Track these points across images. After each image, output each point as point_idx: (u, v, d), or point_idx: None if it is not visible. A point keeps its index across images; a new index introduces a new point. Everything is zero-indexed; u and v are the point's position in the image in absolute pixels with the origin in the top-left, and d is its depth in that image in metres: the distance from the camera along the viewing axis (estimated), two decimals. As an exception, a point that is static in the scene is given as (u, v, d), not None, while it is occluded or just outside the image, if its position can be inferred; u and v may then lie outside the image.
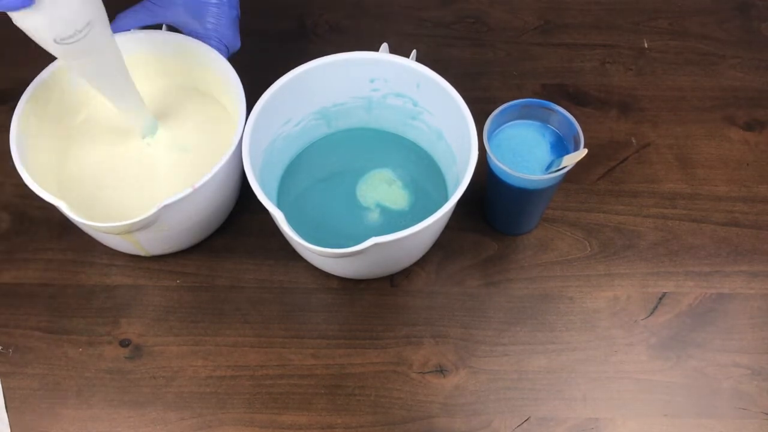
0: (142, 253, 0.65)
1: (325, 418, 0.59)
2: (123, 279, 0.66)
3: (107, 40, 0.56)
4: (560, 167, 0.58)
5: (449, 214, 0.59)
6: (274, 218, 0.56)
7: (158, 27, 0.67)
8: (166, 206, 0.56)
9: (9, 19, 0.51)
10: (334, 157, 0.70)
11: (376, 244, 0.53)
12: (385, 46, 0.64)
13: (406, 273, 0.66)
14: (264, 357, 0.62)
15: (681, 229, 0.68)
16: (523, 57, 0.80)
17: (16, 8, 0.49)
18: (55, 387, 0.61)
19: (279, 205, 0.62)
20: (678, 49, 0.81)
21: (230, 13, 0.65)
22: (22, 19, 0.50)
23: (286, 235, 0.57)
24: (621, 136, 0.74)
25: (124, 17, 0.66)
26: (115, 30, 0.65)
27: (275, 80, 0.62)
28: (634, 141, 0.74)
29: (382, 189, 0.67)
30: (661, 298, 0.65)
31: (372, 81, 0.66)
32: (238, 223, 0.68)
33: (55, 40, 0.52)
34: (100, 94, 0.61)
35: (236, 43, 0.67)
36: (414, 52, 0.64)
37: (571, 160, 0.57)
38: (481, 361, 0.62)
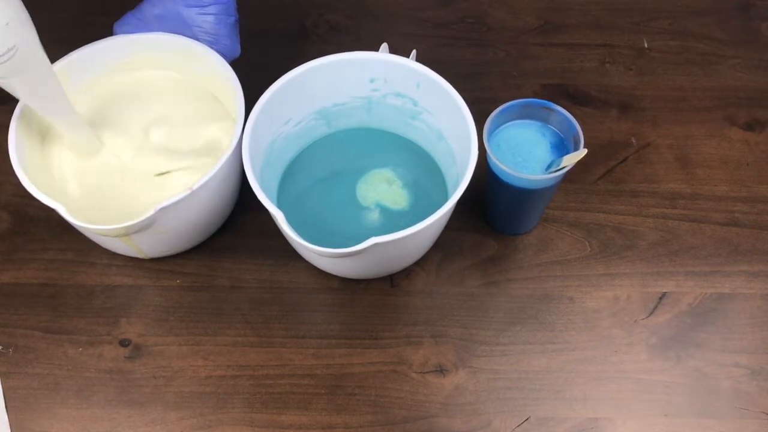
0: (140, 256, 0.65)
1: (325, 418, 0.59)
2: (123, 279, 0.66)
3: (36, 62, 0.55)
4: (560, 167, 0.58)
5: (449, 214, 0.59)
6: (274, 218, 0.56)
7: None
8: (163, 209, 0.56)
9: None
10: (334, 157, 0.70)
11: (376, 244, 0.53)
12: (385, 46, 0.64)
13: (406, 273, 0.66)
14: (264, 357, 0.62)
15: (681, 229, 0.68)
16: (523, 57, 0.80)
17: None
18: (55, 387, 0.61)
19: (279, 205, 0.62)
20: (678, 49, 0.81)
21: (227, 20, 0.65)
22: None
23: (286, 235, 0.57)
24: (621, 136, 0.74)
25: (121, 25, 0.66)
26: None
27: (275, 80, 0.62)
28: (634, 141, 0.74)
29: (382, 189, 0.67)
30: (661, 298, 0.65)
31: (372, 81, 0.66)
32: (238, 223, 0.68)
33: None
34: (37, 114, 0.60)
35: (236, 50, 0.66)
36: (414, 52, 0.64)
37: (571, 160, 0.57)
38: (481, 361, 0.62)
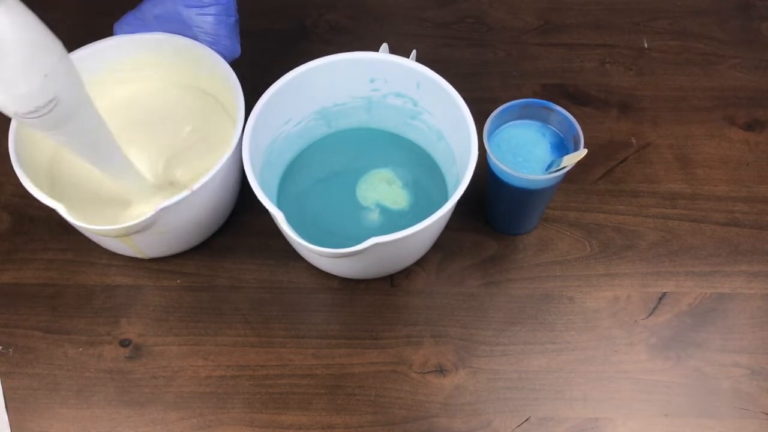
0: (140, 256, 0.65)
1: (325, 418, 0.59)
2: (123, 279, 0.66)
3: (80, 112, 0.51)
4: (560, 167, 0.58)
5: (449, 214, 0.59)
6: (274, 218, 0.56)
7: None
8: (163, 209, 0.56)
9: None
10: (334, 157, 0.70)
11: (376, 244, 0.53)
12: (385, 46, 0.64)
13: (406, 273, 0.66)
14: (264, 357, 0.62)
15: (681, 229, 0.68)
16: (523, 57, 0.80)
17: None
18: (55, 387, 0.61)
19: (279, 205, 0.62)
20: (678, 49, 0.81)
21: (227, 20, 0.65)
22: None
23: (286, 235, 0.57)
24: (621, 136, 0.74)
25: (121, 25, 0.66)
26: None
27: (275, 80, 0.62)
28: (634, 141, 0.74)
29: (382, 189, 0.67)
30: (661, 298, 0.65)
31: (372, 81, 0.66)
32: (238, 223, 0.68)
33: (16, 114, 0.47)
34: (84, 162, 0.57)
35: (236, 50, 0.66)
36: (414, 52, 0.64)
37: (571, 160, 0.57)
38: (481, 361, 0.62)
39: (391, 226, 0.65)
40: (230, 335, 0.63)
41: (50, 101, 0.47)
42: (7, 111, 0.47)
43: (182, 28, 0.65)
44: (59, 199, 0.57)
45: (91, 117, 0.53)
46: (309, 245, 0.54)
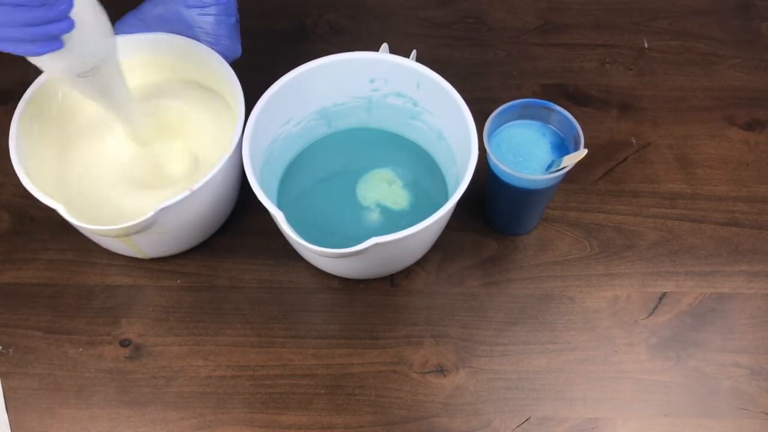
0: (140, 256, 0.65)
1: (325, 418, 0.59)
2: (123, 279, 0.66)
3: (115, 65, 0.57)
4: (560, 167, 0.58)
5: (449, 214, 0.59)
6: (274, 218, 0.56)
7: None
8: (163, 209, 0.56)
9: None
10: (334, 157, 0.70)
11: (376, 244, 0.53)
12: (385, 46, 0.64)
13: (406, 273, 0.66)
14: (264, 357, 0.62)
15: (681, 229, 0.68)
16: (523, 57, 0.80)
17: (46, 53, 0.49)
18: (55, 387, 0.61)
19: (279, 205, 0.62)
20: (678, 49, 0.81)
21: (228, 20, 0.65)
22: (48, 62, 0.52)
23: (286, 235, 0.57)
24: (621, 136, 0.74)
25: (121, 25, 0.66)
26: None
27: (275, 80, 0.62)
28: (634, 141, 0.74)
29: (382, 189, 0.67)
30: (661, 298, 0.65)
31: (372, 81, 0.66)
32: (238, 223, 0.68)
33: (78, 75, 0.54)
34: (100, 107, 0.61)
35: (236, 51, 0.66)
36: (414, 52, 0.64)
37: (571, 160, 0.57)
38: (481, 361, 0.62)
39: (391, 226, 0.65)
40: (230, 335, 0.63)
41: (107, 57, 0.55)
42: (71, 74, 0.54)
43: (183, 29, 0.65)
44: (59, 199, 0.57)
45: (119, 68, 0.59)
46: (309, 245, 0.54)
